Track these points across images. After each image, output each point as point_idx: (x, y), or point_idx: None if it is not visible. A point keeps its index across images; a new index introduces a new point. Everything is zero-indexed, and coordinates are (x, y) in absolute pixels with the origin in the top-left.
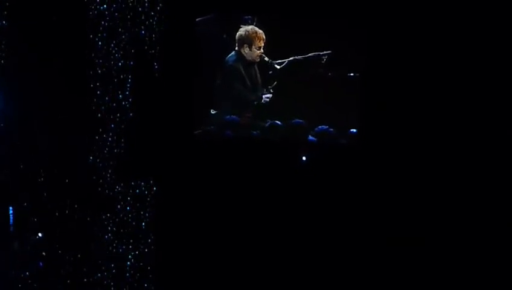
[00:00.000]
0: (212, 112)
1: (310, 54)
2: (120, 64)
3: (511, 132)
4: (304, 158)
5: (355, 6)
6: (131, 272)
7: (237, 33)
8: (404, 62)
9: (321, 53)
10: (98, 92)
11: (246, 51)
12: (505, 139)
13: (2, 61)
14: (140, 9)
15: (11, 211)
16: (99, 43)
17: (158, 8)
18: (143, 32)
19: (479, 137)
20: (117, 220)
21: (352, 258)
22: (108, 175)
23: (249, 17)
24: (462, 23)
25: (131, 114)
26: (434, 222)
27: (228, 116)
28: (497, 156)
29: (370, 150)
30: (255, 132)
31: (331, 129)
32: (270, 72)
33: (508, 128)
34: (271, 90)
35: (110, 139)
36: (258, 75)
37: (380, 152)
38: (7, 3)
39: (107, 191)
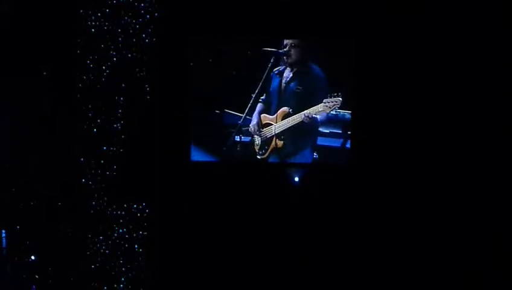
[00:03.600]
0: None
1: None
2: (112, 85)
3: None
4: (296, 179)
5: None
6: None
7: None
8: (391, 77)
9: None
10: (90, 114)
11: None
12: (498, 153)
13: None
14: (131, 31)
15: (3, 235)
16: (91, 65)
17: (149, 30)
18: (134, 54)
19: (470, 150)
20: (110, 242)
21: (345, 273)
22: (100, 197)
23: None
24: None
25: (123, 136)
26: (427, 238)
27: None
28: (489, 172)
29: (362, 168)
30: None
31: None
32: None
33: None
34: None
35: (102, 161)
36: None
37: (371, 170)
38: None
39: (99, 213)
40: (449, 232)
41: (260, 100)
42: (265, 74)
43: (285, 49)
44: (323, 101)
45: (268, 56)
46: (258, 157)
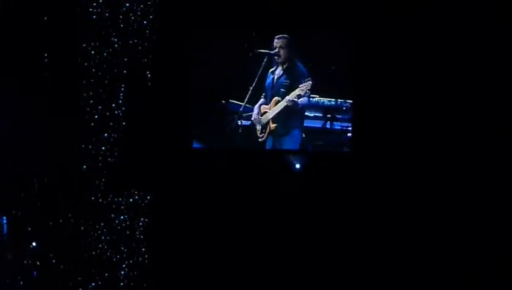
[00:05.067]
0: None
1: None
2: (113, 72)
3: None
4: (297, 166)
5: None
6: (125, 281)
7: None
8: (389, 66)
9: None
10: (91, 101)
11: None
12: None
13: None
14: (132, 17)
15: (4, 221)
16: (92, 51)
17: (151, 16)
18: (135, 40)
19: (471, 141)
20: (111, 229)
21: (348, 263)
22: (101, 184)
23: None
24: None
25: (124, 123)
26: (430, 227)
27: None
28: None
29: (364, 156)
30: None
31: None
32: None
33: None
34: None
35: (103, 148)
36: None
37: (373, 159)
38: None
39: (100, 200)
40: (451, 222)
41: (262, 96)
42: (259, 72)
43: (275, 50)
44: (299, 86)
45: (262, 56)
46: (259, 140)
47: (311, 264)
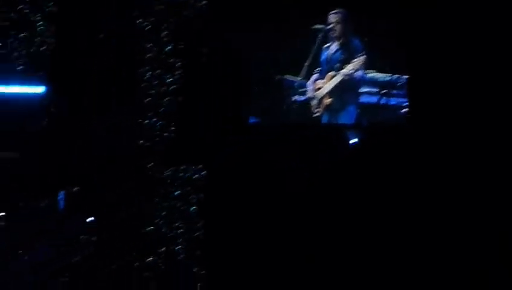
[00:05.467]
0: None
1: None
2: (170, 48)
3: None
4: (354, 140)
5: None
6: (181, 255)
7: None
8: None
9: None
10: (147, 76)
11: None
12: None
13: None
14: None
15: (63, 196)
16: (148, 27)
17: None
18: (192, 16)
19: None
20: (167, 204)
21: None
22: (158, 159)
23: None
24: None
25: (180, 98)
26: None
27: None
28: None
29: (419, 130)
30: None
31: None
32: None
33: None
34: None
35: (159, 123)
36: None
37: (429, 133)
38: None
39: (157, 175)
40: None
41: (317, 72)
42: (315, 47)
43: (330, 26)
44: (352, 61)
45: (318, 32)
46: (315, 115)
47: (369, 240)
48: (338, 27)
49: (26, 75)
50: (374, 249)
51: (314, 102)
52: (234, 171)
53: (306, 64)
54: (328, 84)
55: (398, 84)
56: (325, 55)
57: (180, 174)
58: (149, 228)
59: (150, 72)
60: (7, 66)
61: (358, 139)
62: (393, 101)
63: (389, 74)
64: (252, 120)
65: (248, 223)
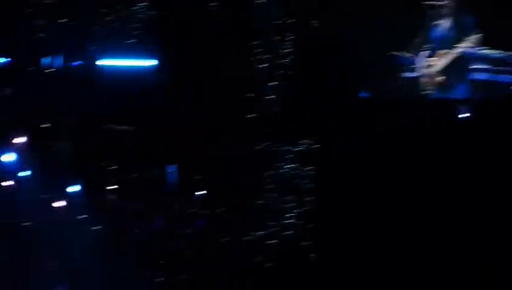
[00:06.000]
0: None
1: None
2: (279, 22)
3: None
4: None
5: None
6: (294, 229)
7: None
8: None
9: None
10: (259, 49)
11: None
12: None
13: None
14: None
15: (175, 169)
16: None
17: None
18: None
19: None
20: (279, 177)
21: None
22: (269, 133)
23: None
24: None
25: (290, 72)
26: None
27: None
28: None
29: None
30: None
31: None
32: None
33: None
34: None
35: (268, 97)
36: None
37: None
38: None
39: (268, 149)
40: None
41: (428, 48)
42: (426, 24)
43: (443, 2)
44: (464, 39)
45: (430, 8)
46: (426, 92)
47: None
48: (450, 4)
49: (138, 49)
50: None
51: (425, 79)
52: (347, 145)
53: (417, 40)
54: (440, 62)
55: (510, 61)
56: (437, 31)
57: (293, 148)
58: (259, 202)
59: (262, 46)
60: (119, 38)
61: (469, 115)
62: (505, 78)
63: (502, 51)
64: (362, 94)
65: (360, 197)
